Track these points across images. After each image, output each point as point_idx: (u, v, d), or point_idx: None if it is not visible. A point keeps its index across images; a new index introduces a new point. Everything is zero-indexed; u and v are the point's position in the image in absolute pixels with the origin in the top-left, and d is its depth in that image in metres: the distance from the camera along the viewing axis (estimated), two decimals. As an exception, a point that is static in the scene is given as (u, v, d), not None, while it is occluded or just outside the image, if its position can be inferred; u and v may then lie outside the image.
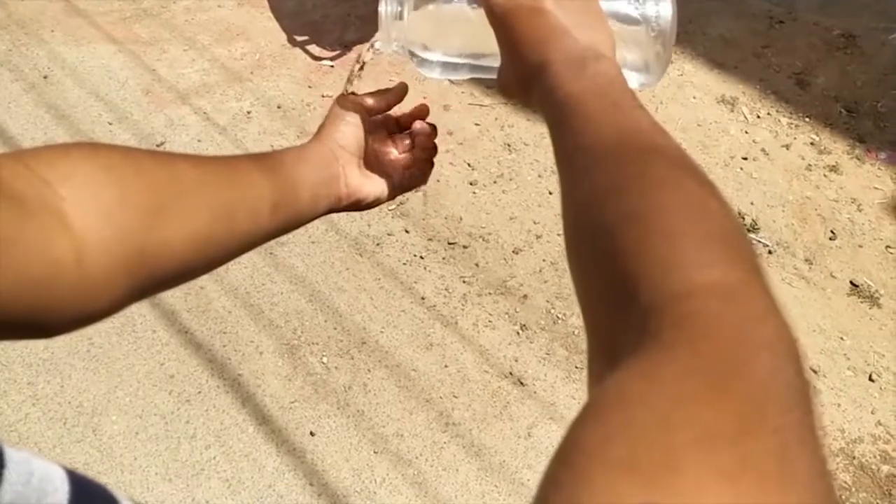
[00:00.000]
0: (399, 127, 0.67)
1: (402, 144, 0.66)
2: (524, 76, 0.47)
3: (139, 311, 1.83)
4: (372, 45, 0.60)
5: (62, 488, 0.57)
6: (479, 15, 0.50)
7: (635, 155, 0.37)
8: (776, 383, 0.25)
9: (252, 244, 0.52)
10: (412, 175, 0.66)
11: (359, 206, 0.63)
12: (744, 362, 0.25)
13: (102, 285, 0.40)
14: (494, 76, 0.53)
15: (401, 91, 0.65)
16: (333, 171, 0.60)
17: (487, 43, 0.50)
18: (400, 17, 0.56)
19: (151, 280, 0.43)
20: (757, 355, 0.26)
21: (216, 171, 0.49)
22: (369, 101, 0.64)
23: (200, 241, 0.46)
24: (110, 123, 2.30)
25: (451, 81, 2.47)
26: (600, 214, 0.35)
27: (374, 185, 0.64)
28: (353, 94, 0.64)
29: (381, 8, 0.56)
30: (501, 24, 0.48)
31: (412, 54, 0.58)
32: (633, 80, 0.55)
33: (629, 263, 0.32)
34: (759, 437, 0.23)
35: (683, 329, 0.27)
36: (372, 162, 0.64)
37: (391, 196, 0.66)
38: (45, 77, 2.43)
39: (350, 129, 0.62)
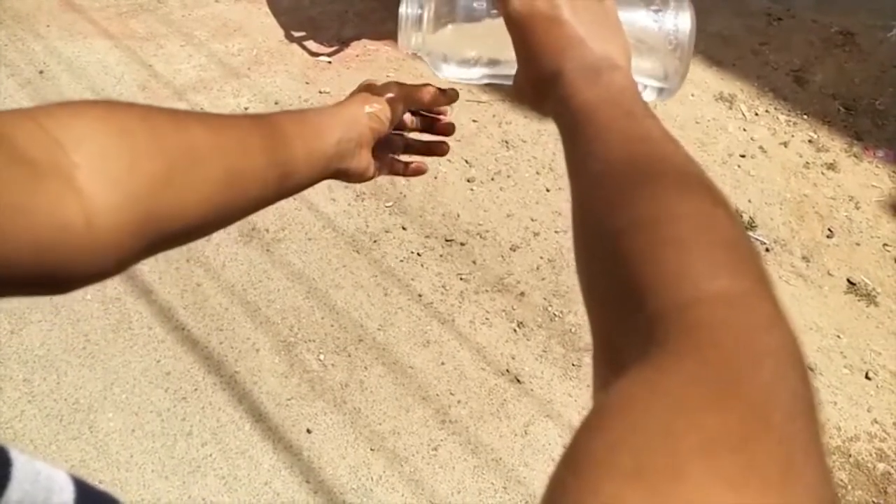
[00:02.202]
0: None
1: (397, 144, 0.68)
2: (539, 83, 0.48)
3: (135, 308, 1.83)
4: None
5: (67, 488, 0.57)
6: (498, 21, 0.51)
7: (646, 163, 0.38)
8: (781, 391, 0.25)
9: (258, 208, 0.53)
10: (393, 169, 0.69)
11: (354, 180, 0.64)
12: (749, 370, 0.26)
13: (111, 247, 0.40)
14: (510, 82, 0.53)
15: (453, 98, 0.66)
16: (351, 147, 0.61)
17: (505, 49, 0.51)
18: (420, 18, 0.57)
19: (159, 241, 0.44)
20: (762, 363, 0.26)
21: (231, 136, 0.49)
22: (417, 93, 0.64)
23: (208, 207, 0.46)
24: (106, 119, 2.29)
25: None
26: (610, 221, 0.36)
27: (373, 168, 0.65)
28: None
29: (402, 9, 0.57)
30: (519, 31, 0.49)
31: (430, 56, 0.59)
32: (651, 90, 0.56)
33: (637, 270, 0.32)
34: (764, 444, 0.23)
35: (690, 337, 0.27)
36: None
37: (373, 177, 0.67)
38: (41, 72, 2.42)
39: (384, 111, 0.62)
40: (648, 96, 0.56)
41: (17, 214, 0.35)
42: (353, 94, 0.63)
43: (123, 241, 0.41)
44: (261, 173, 0.51)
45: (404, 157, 0.70)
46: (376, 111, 0.61)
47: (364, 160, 0.62)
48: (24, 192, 0.35)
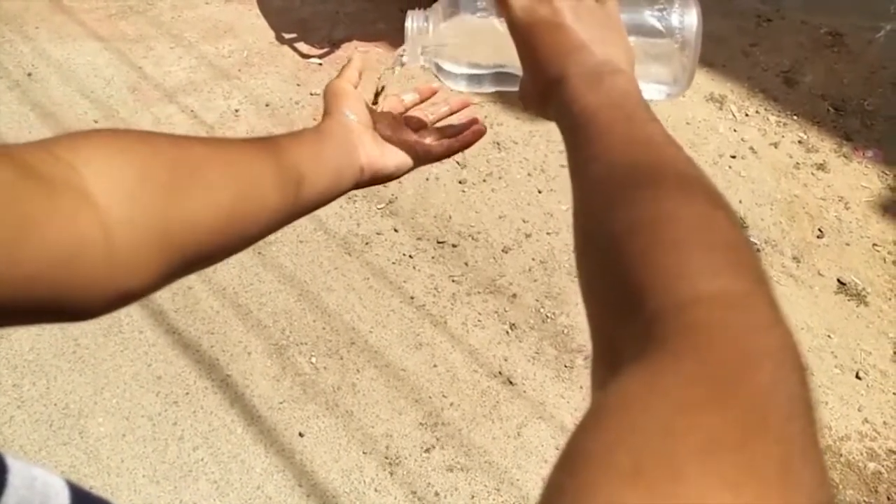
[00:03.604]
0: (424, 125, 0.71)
1: (428, 134, 0.69)
2: (543, 89, 0.49)
3: (126, 312, 1.81)
4: (399, 60, 0.61)
5: (63, 493, 0.57)
6: (504, 30, 0.51)
7: (646, 166, 0.38)
8: (779, 392, 0.25)
9: (282, 221, 0.53)
10: (435, 148, 0.68)
11: (381, 176, 0.64)
12: (747, 371, 0.26)
13: (132, 263, 0.40)
14: (517, 89, 0.54)
15: (360, 64, 0.68)
16: (351, 144, 0.61)
17: (510, 57, 0.52)
18: (426, 30, 0.57)
19: (182, 257, 0.43)
20: (761, 365, 0.26)
21: (230, 147, 0.50)
22: (355, 75, 0.67)
23: (224, 215, 0.46)
24: (96, 121, 2.27)
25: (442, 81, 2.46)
26: (610, 223, 0.36)
27: (392, 154, 0.65)
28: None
29: (408, 23, 0.57)
30: (523, 38, 0.50)
31: (438, 68, 0.59)
32: (660, 90, 0.56)
33: (636, 271, 0.32)
34: (763, 445, 0.23)
35: (688, 337, 0.27)
36: (386, 134, 0.66)
37: (415, 165, 0.67)
38: (30, 74, 2.41)
39: (354, 102, 0.64)
40: (657, 96, 0.56)
41: (33, 228, 0.34)
42: (326, 108, 0.64)
43: (145, 257, 0.41)
44: (268, 181, 0.51)
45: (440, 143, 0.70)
46: (357, 114, 0.63)
47: (370, 148, 0.63)
48: (39, 206, 0.35)
